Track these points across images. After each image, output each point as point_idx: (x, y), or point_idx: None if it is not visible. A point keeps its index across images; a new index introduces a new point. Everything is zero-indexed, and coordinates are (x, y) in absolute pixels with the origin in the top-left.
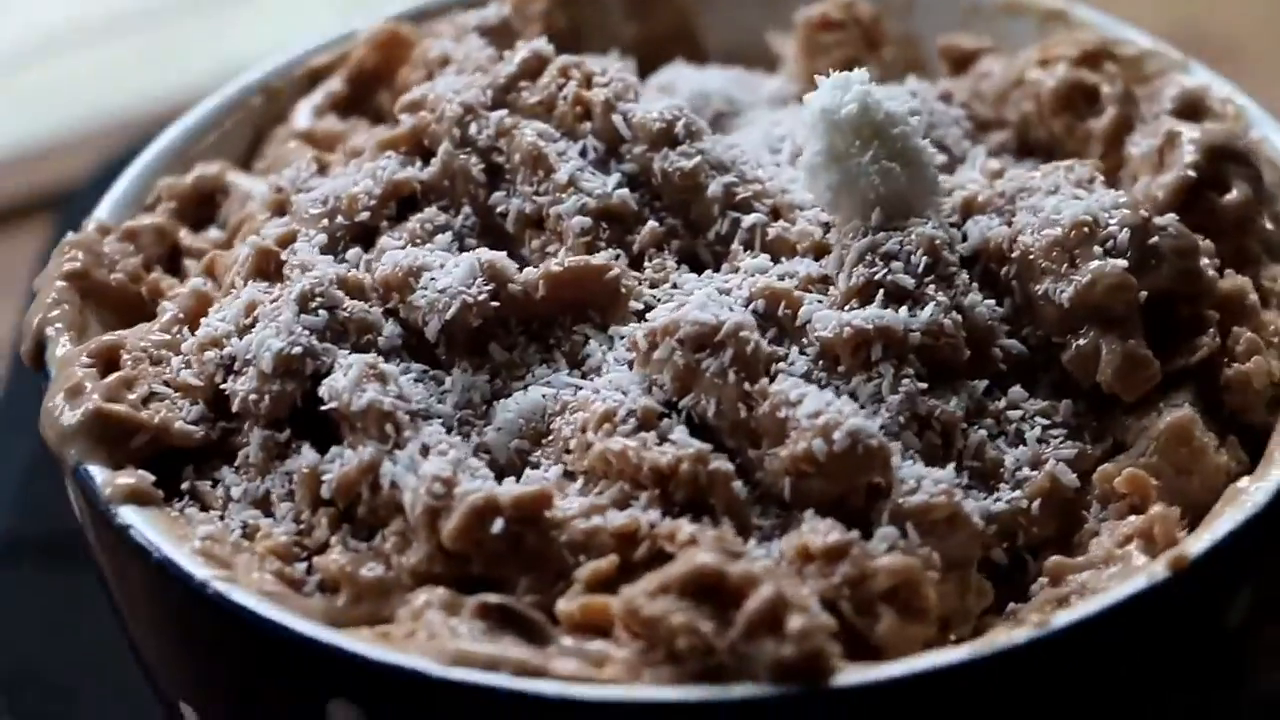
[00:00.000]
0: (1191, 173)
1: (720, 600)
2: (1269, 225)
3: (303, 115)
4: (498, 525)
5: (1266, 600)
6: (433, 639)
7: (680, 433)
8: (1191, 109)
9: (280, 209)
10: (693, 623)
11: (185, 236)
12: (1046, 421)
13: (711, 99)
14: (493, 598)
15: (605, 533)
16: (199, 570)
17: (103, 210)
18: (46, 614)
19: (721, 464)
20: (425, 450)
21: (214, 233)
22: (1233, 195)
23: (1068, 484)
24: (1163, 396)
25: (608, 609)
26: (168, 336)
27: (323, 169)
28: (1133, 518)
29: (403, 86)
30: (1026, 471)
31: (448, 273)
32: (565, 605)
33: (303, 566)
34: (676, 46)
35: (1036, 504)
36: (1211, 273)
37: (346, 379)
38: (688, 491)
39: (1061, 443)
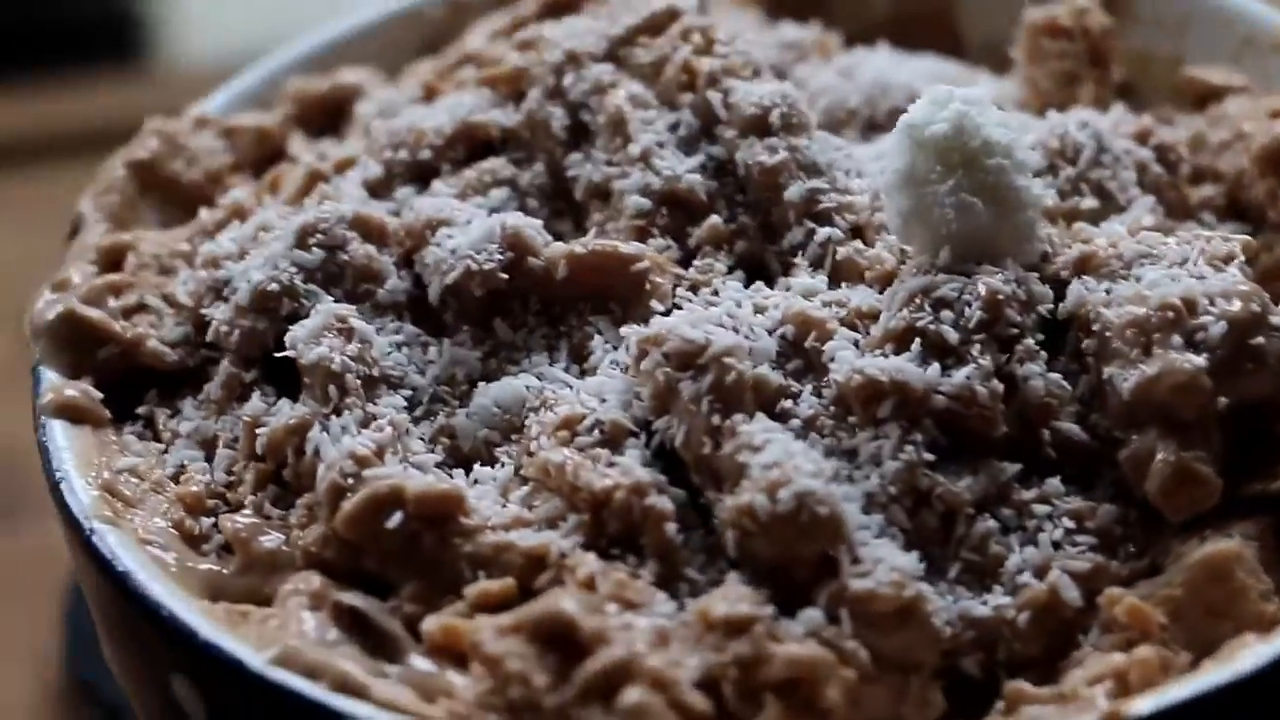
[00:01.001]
0: None
1: (572, 653)
2: None
3: (479, 35)
4: (395, 519)
5: None
6: (279, 629)
7: (633, 456)
8: None
9: (369, 131)
10: (527, 672)
11: (296, 143)
12: (1074, 525)
13: (891, 92)
14: (348, 598)
15: (515, 551)
16: (86, 505)
17: (213, 102)
18: None
19: (659, 501)
20: (368, 421)
21: (329, 145)
22: None
23: (1068, 600)
24: (1222, 522)
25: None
26: (187, 247)
27: (431, 96)
28: (1119, 655)
29: None
30: (1027, 577)
31: (466, 231)
32: (430, 623)
33: (211, 522)
34: (933, 34)
35: (1026, 616)
36: None
37: (307, 327)
38: (620, 524)
39: (1081, 552)
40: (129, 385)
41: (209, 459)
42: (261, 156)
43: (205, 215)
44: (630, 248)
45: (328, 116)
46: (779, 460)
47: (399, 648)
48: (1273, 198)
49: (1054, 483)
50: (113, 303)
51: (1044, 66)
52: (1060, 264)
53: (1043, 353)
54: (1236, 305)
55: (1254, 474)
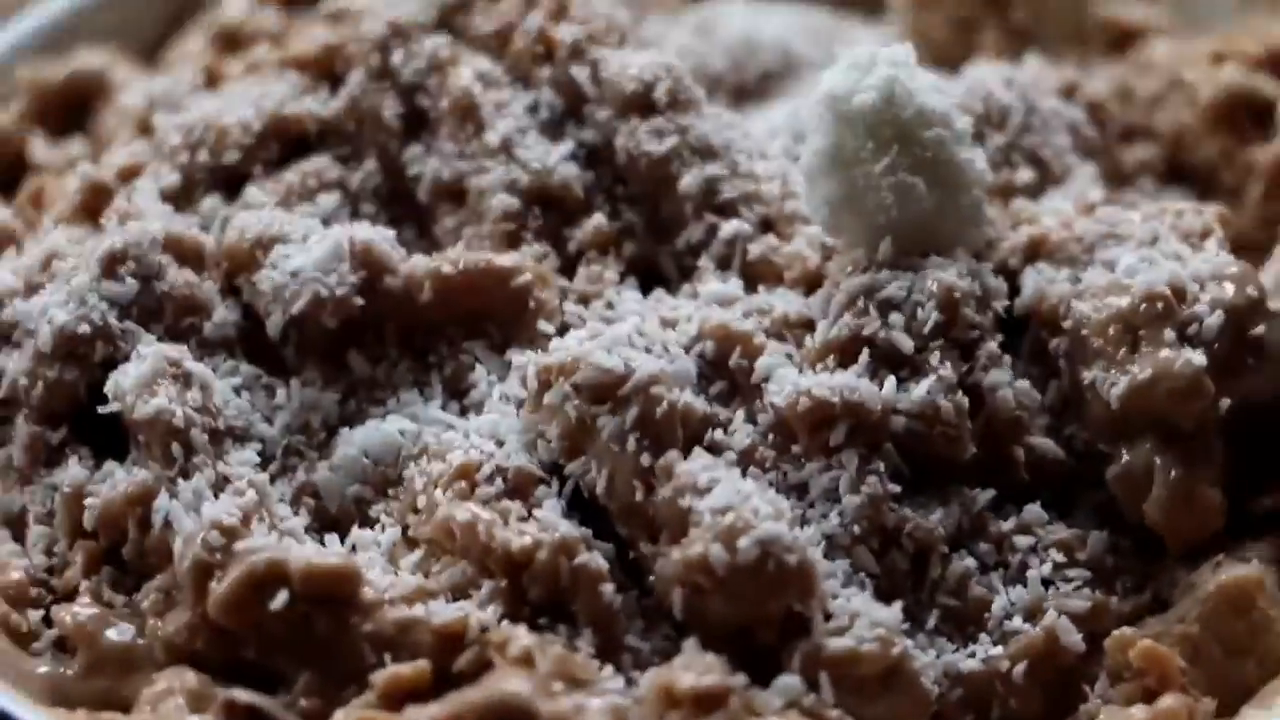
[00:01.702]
0: None
1: None
2: None
3: (237, 1)
4: (280, 600)
5: None
6: None
7: (551, 508)
8: None
9: (147, 130)
10: None
11: (38, 148)
12: (1063, 558)
13: (760, 52)
14: (243, 696)
15: (424, 628)
16: None
17: None
18: None
19: (592, 559)
20: (222, 484)
21: (77, 147)
22: None
23: (1069, 645)
24: (1234, 544)
25: None
26: None
27: (214, 82)
28: (1140, 708)
29: None
30: (1018, 622)
31: (307, 250)
32: (342, 718)
33: (40, 615)
34: None
35: (1022, 667)
36: None
37: (134, 375)
38: (545, 588)
39: (1076, 588)
40: None
41: (18, 538)
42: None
43: None
44: (506, 259)
45: (69, 110)
46: (731, 503)
47: None
48: (1227, 158)
49: (1034, 509)
50: None
51: (935, 12)
52: (1007, 250)
53: (1007, 357)
54: (1230, 290)
55: (1260, 489)
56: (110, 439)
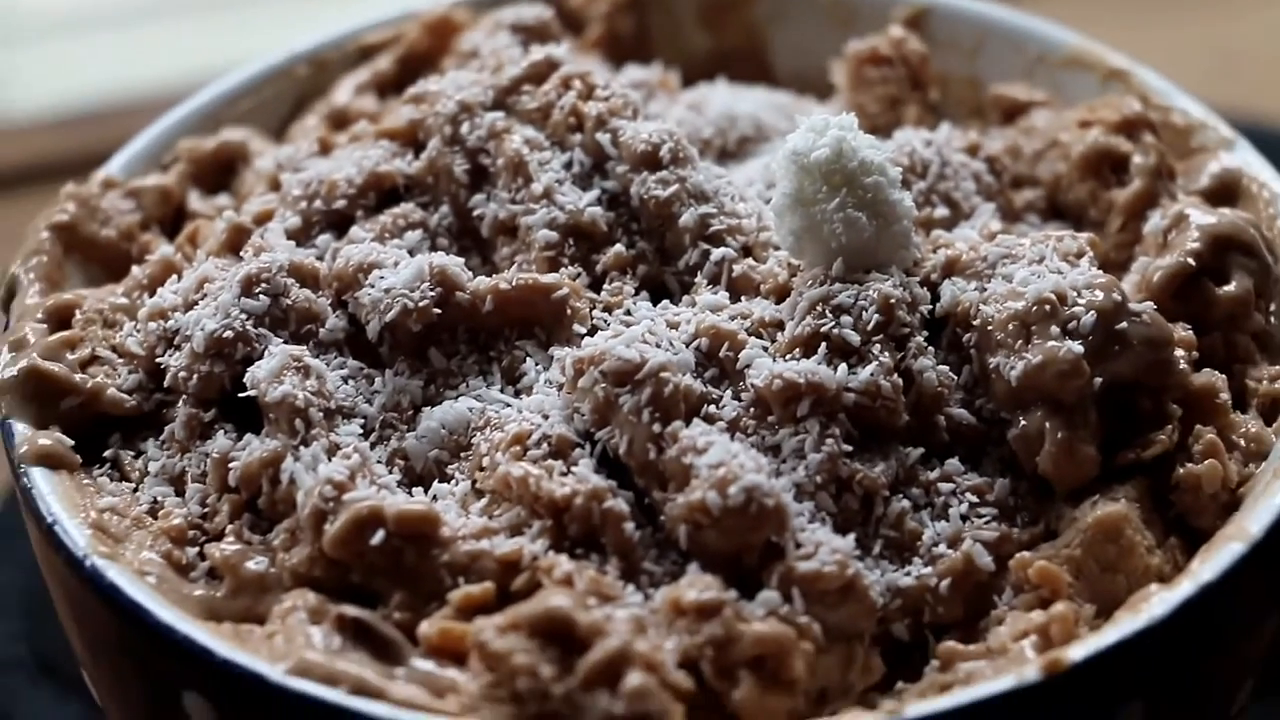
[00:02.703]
0: (1190, 260)
1: (570, 645)
2: (1272, 321)
3: (344, 91)
4: (378, 537)
5: (1164, 717)
6: (287, 643)
7: (585, 465)
8: (1225, 190)
9: (276, 185)
10: (534, 665)
11: (194, 200)
12: (976, 499)
13: (739, 122)
14: (351, 610)
15: (489, 558)
16: (82, 541)
17: (114, 164)
18: None
19: (616, 504)
20: (333, 450)
21: (224, 199)
22: (1230, 287)
23: (982, 566)
24: (1106, 487)
25: (466, 637)
26: (126, 301)
27: (326, 149)
28: (1037, 612)
29: (443, 74)
30: (943, 548)
31: (397, 273)
32: (426, 627)
33: (195, 551)
34: (747, 64)
35: (946, 583)
36: (1184, 366)
37: (266, 368)
38: (581, 527)
39: (987, 523)
40: (84, 432)
41: (179, 494)
42: (166, 213)
43: (137, 271)
44: (549, 278)
45: (218, 172)
46: (723, 460)
47: (400, 652)
48: (1093, 198)
49: (954, 463)
50: (69, 356)
51: (869, 92)
52: (929, 267)
53: (930, 348)
54: (1100, 295)
55: (1125, 445)
56: (249, 417)
